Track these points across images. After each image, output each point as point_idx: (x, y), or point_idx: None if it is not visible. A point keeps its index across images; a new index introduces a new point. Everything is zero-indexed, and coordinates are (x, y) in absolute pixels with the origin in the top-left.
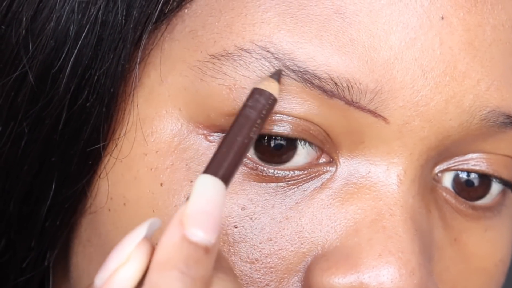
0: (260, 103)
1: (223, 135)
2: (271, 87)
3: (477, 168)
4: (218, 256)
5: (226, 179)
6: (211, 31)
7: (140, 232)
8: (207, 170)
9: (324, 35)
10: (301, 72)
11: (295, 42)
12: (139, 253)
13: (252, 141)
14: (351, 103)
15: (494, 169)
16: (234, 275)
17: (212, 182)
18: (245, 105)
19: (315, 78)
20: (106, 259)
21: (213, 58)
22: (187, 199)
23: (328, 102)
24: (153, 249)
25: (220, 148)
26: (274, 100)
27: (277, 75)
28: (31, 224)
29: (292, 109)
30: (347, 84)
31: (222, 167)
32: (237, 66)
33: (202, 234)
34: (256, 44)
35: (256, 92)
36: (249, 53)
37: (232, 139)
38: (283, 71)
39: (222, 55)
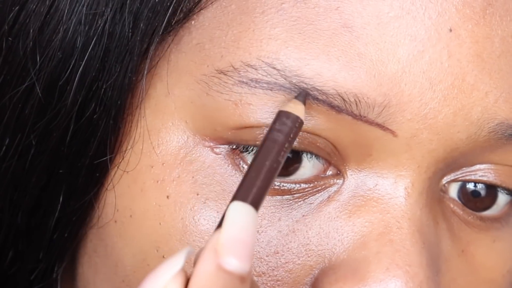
0: (287, 126)
1: (230, 147)
2: (297, 109)
3: (485, 179)
4: (251, 283)
5: (256, 205)
6: (218, 45)
7: (177, 262)
8: (238, 196)
9: (332, 50)
10: (308, 89)
11: (302, 59)
12: (175, 284)
13: (280, 165)
14: (359, 117)
15: (502, 180)
16: None
17: (243, 209)
18: (272, 129)
19: (322, 95)
20: (140, 286)
21: (219, 73)
22: (218, 226)
23: (335, 117)
24: (187, 278)
25: (249, 173)
26: (301, 123)
27: (302, 97)
28: (39, 236)
29: None
30: (354, 99)
31: (252, 193)
32: (243, 82)
33: (237, 263)
34: (262, 61)
35: (282, 115)
36: (255, 69)
37: (260, 163)
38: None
39: (228, 71)
